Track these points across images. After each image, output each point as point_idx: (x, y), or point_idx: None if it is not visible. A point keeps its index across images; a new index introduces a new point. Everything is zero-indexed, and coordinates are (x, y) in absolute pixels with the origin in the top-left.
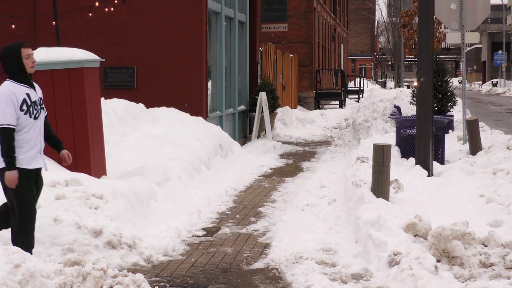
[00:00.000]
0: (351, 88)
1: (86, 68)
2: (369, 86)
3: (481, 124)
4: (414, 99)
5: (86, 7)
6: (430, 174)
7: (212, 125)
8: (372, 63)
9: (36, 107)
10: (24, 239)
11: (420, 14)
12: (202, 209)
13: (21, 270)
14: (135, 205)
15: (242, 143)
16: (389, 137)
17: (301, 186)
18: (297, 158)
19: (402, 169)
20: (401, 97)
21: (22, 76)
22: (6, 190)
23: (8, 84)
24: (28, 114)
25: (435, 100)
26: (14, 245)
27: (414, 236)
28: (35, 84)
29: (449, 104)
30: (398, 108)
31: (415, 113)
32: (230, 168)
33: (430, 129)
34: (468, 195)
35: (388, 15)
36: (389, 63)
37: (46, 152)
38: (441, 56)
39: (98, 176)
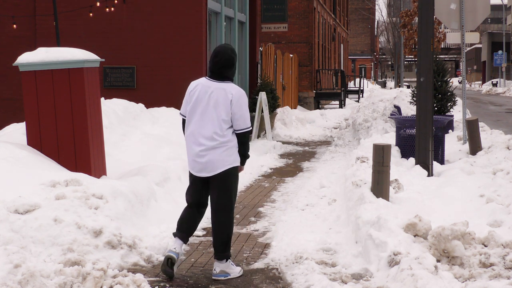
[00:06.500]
0: (351, 88)
1: (86, 68)
2: (369, 86)
3: (481, 124)
4: (414, 99)
5: (86, 7)
6: (430, 174)
7: None
8: (372, 63)
9: None
10: None
11: (420, 14)
12: None
13: (21, 270)
14: (135, 205)
15: None
16: (389, 137)
17: (301, 186)
18: (297, 158)
19: (402, 169)
20: (401, 97)
21: None
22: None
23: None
24: None
25: (435, 100)
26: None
27: (414, 236)
28: None
29: (449, 104)
30: (398, 108)
31: (415, 113)
32: None
33: (430, 129)
34: (468, 195)
35: (388, 15)
36: (389, 63)
37: (46, 152)
38: (441, 56)
39: (98, 176)
